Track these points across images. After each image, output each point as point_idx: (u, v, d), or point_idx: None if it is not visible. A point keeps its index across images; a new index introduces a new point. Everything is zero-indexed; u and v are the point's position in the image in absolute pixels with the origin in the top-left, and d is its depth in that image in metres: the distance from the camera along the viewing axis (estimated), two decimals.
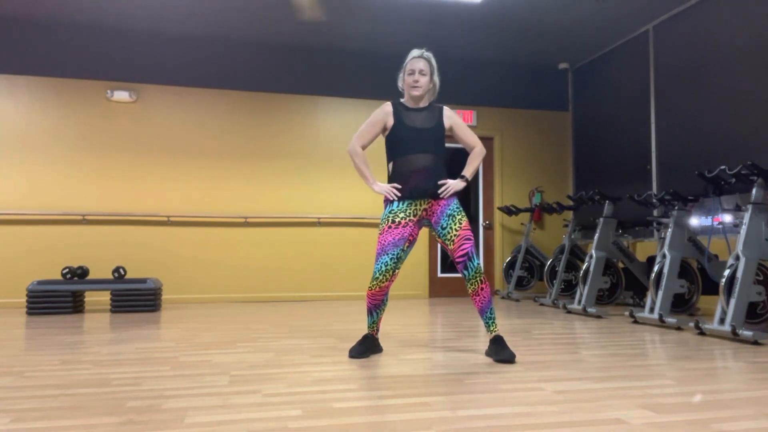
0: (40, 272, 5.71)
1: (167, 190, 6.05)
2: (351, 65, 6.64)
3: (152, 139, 6.05)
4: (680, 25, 5.43)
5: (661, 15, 5.63)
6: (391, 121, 2.96)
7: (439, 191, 2.90)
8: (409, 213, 2.90)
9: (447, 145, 6.42)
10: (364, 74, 6.66)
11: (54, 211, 5.71)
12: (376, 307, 2.95)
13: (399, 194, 2.88)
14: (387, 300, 3.00)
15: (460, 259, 2.85)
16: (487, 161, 7.08)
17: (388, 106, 2.98)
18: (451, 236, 2.87)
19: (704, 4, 5.15)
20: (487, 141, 7.07)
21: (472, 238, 2.89)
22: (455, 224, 2.87)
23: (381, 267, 2.84)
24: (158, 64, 6.12)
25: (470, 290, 2.88)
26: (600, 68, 6.68)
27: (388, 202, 2.95)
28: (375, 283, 2.86)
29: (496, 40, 6.35)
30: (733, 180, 3.94)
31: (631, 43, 6.12)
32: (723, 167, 3.98)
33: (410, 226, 2.90)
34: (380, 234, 2.89)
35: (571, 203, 6.98)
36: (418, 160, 2.88)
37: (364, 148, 3.00)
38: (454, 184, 2.92)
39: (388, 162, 2.98)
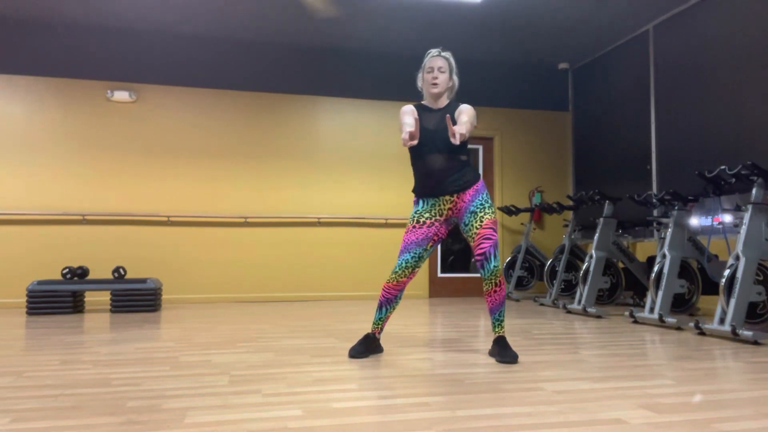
0: (40, 272, 5.71)
1: (167, 190, 6.05)
2: (351, 65, 6.63)
3: (152, 139, 6.05)
4: (680, 25, 5.43)
5: (661, 15, 5.63)
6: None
7: (451, 137, 2.57)
8: (435, 213, 2.90)
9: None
10: (365, 74, 6.66)
11: (54, 211, 5.71)
12: (388, 301, 2.95)
13: (413, 141, 2.61)
14: (400, 298, 3.00)
15: (478, 258, 2.84)
16: (487, 161, 7.08)
17: (408, 107, 2.91)
18: (472, 234, 2.85)
19: (704, 4, 5.15)
20: (487, 141, 7.07)
21: (493, 237, 2.82)
22: (476, 222, 2.84)
23: (402, 263, 2.87)
24: (158, 64, 6.12)
25: (485, 289, 2.87)
26: (600, 68, 6.67)
27: (415, 202, 2.97)
28: (393, 276, 2.89)
29: (496, 40, 6.34)
30: (733, 180, 3.94)
31: (631, 43, 6.12)
32: (723, 167, 3.98)
33: (436, 226, 2.90)
34: (406, 232, 2.93)
35: (571, 203, 6.97)
36: (433, 160, 2.85)
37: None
38: (458, 128, 2.58)
39: (412, 164, 2.98)
